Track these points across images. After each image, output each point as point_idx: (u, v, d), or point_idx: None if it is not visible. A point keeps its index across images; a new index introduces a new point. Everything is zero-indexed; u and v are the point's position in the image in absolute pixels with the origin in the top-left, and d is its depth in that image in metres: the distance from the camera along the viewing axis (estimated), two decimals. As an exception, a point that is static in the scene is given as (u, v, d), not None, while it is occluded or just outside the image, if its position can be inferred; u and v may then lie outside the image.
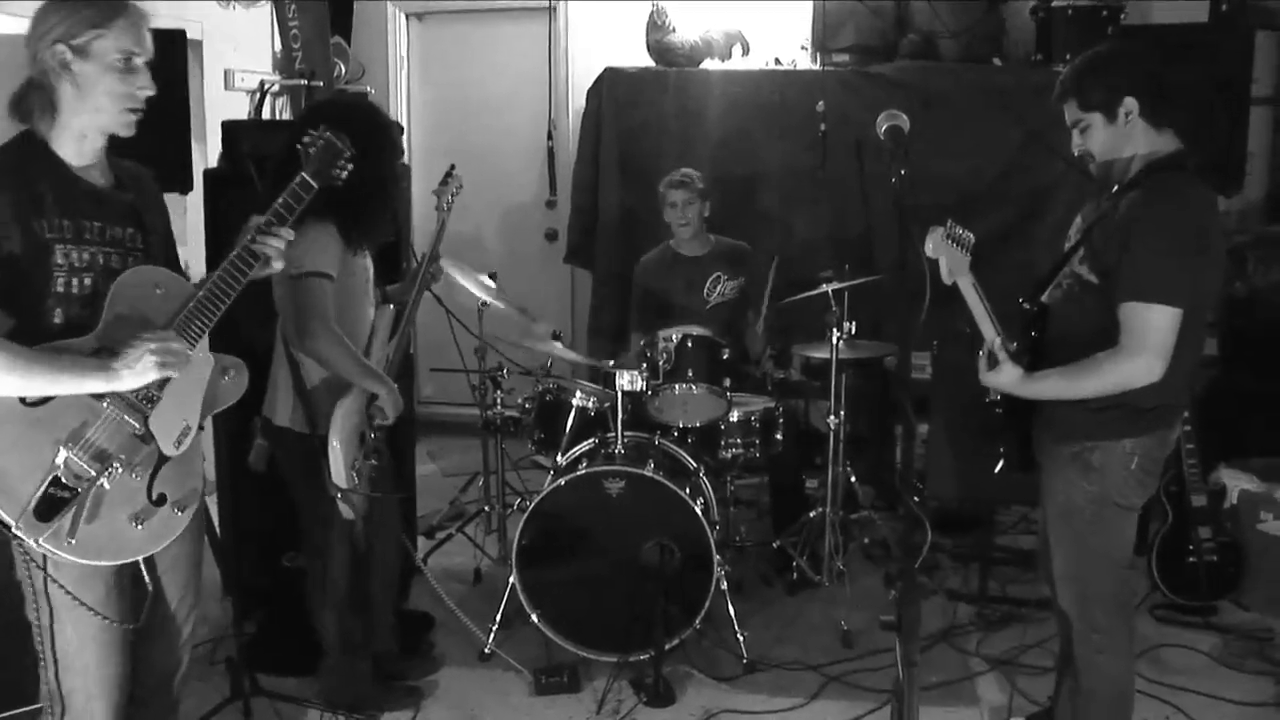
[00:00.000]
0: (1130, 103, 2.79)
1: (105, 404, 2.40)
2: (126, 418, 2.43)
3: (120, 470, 2.41)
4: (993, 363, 2.87)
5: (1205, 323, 2.91)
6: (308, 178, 2.67)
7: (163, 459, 2.51)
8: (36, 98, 2.45)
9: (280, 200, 2.62)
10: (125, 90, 2.48)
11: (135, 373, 2.36)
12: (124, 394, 2.41)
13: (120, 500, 2.43)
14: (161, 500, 2.51)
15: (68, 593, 2.42)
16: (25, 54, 2.46)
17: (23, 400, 2.30)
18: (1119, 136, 2.83)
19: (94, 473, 2.37)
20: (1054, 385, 2.82)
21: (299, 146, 2.72)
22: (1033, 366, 2.85)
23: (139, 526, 2.46)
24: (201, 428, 2.63)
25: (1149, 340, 2.66)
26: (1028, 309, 2.92)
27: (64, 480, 2.33)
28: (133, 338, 2.38)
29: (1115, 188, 2.87)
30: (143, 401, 2.45)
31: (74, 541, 2.34)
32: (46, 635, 2.47)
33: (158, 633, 2.75)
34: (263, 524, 4.00)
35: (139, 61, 2.51)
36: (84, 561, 2.40)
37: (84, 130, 2.49)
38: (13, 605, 2.54)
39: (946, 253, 2.77)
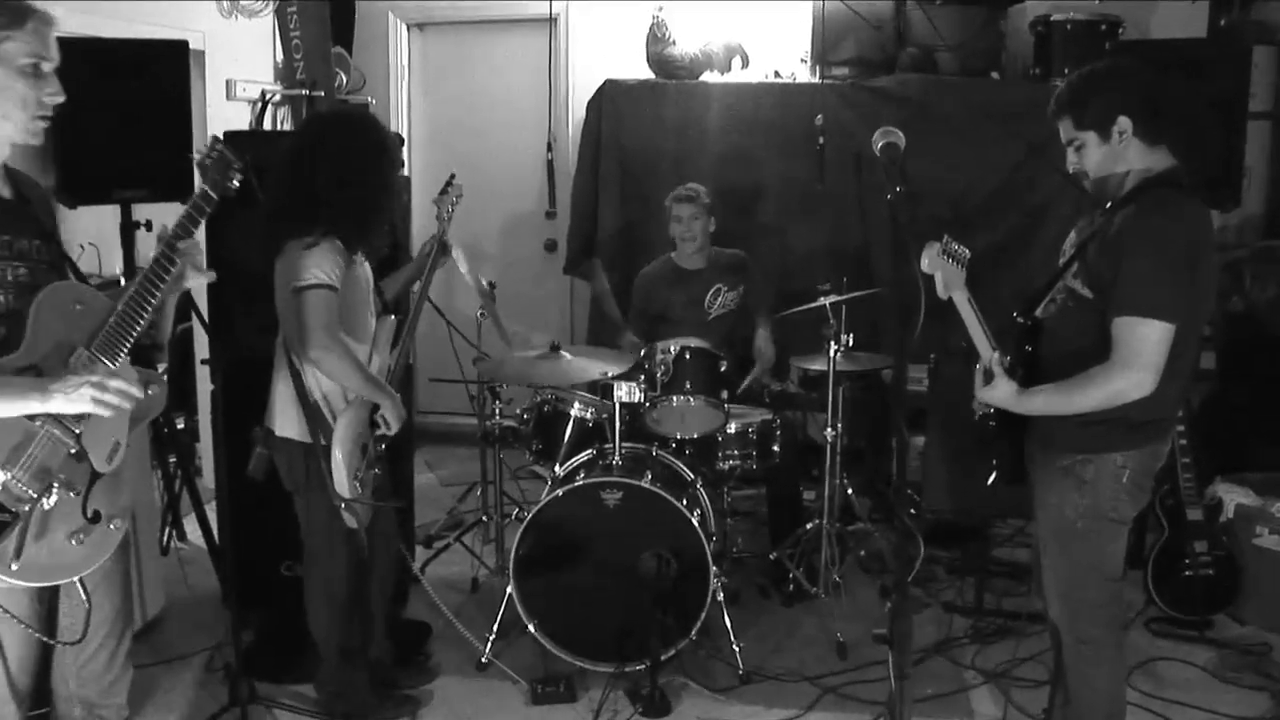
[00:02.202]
0: (1124, 122, 2.81)
1: (38, 424, 2.36)
2: (61, 436, 2.39)
3: (59, 489, 2.38)
4: (988, 379, 2.88)
5: (1199, 337, 2.92)
6: (207, 189, 2.66)
7: (95, 476, 2.48)
8: None
9: (184, 213, 2.61)
10: (35, 96, 2.41)
11: (69, 399, 2.32)
12: (56, 414, 2.37)
13: (60, 520, 2.40)
14: (97, 517, 2.48)
15: (4, 610, 2.40)
16: None
17: None
18: (1113, 155, 2.84)
19: (34, 494, 2.33)
20: (1047, 401, 2.83)
21: (194, 156, 2.71)
22: (1027, 380, 2.86)
23: (77, 544, 2.43)
24: (129, 444, 2.60)
25: (1141, 355, 2.68)
26: (1022, 323, 2.94)
27: (4, 503, 2.29)
28: (74, 369, 2.37)
29: (1109, 204, 2.88)
30: (74, 420, 2.41)
31: (17, 566, 2.31)
32: None
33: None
34: (261, 532, 4.01)
35: (47, 68, 2.42)
36: (24, 583, 2.36)
37: None
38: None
39: (942, 268, 2.78)
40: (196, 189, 2.64)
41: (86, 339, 2.45)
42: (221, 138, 2.80)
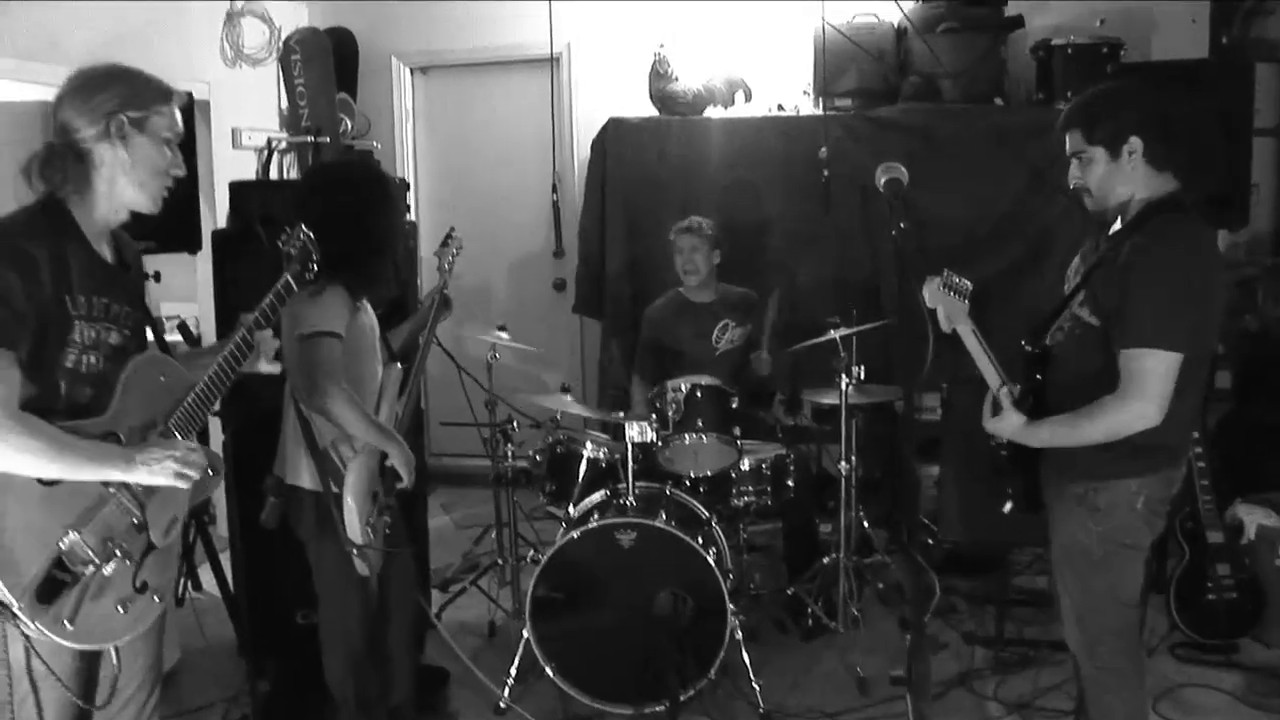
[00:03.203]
0: (1135, 143, 2.80)
1: (111, 490, 2.41)
2: (130, 505, 2.44)
3: (118, 557, 2.41)
4: (996, 410, 2.87)
5: (1210, 361, 2.91)
6: (290, 280, 2.76)
7: (150, 548, 2.51)
8: (71, 165, 2.44)
9: (266, 301, 2.71)
10: (166, 167, 2.54)
11: (152, 472, 2.40)
12: (130, 484, 2.43)
13: (112, 587, 2.42)
14: (144, 588, 2.50)
15: (48, 668, 2.41)
16: (57, 118, 2.47)
17: (38, 479, 2.29)
18: (1119, 174, 2.84)
19: (97, 558, 2.36)
20: (1054, 433, 2.83)
21: (279, 245, 2.79)
22: (1036, 408, 2.85)
23: (123, 612, 2.45)
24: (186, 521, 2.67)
25: (1147, 387, 2.66)
26: (1030, 351, 2.92)
27: (66, 564, 2.32)
28: (157, 440, 2.45)
29: (1114, 229, 2.88)
30: (144, 493, 2.47)
31: (72, 626, 2.33)
32: (4, 711, 2.45)
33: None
34: (276, 581, 4.00)
35: (177, 142, 2.58)
36: (74, 645, 2.39)
37: (117, 204, 2.52)
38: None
39: (943, 301, 2.77)
40: (281, 279, 2.75)
41: (165, 413, 2.55)
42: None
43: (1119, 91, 2.93)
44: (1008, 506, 3.07)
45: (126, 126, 2.45)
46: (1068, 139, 2.93)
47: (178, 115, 2.58)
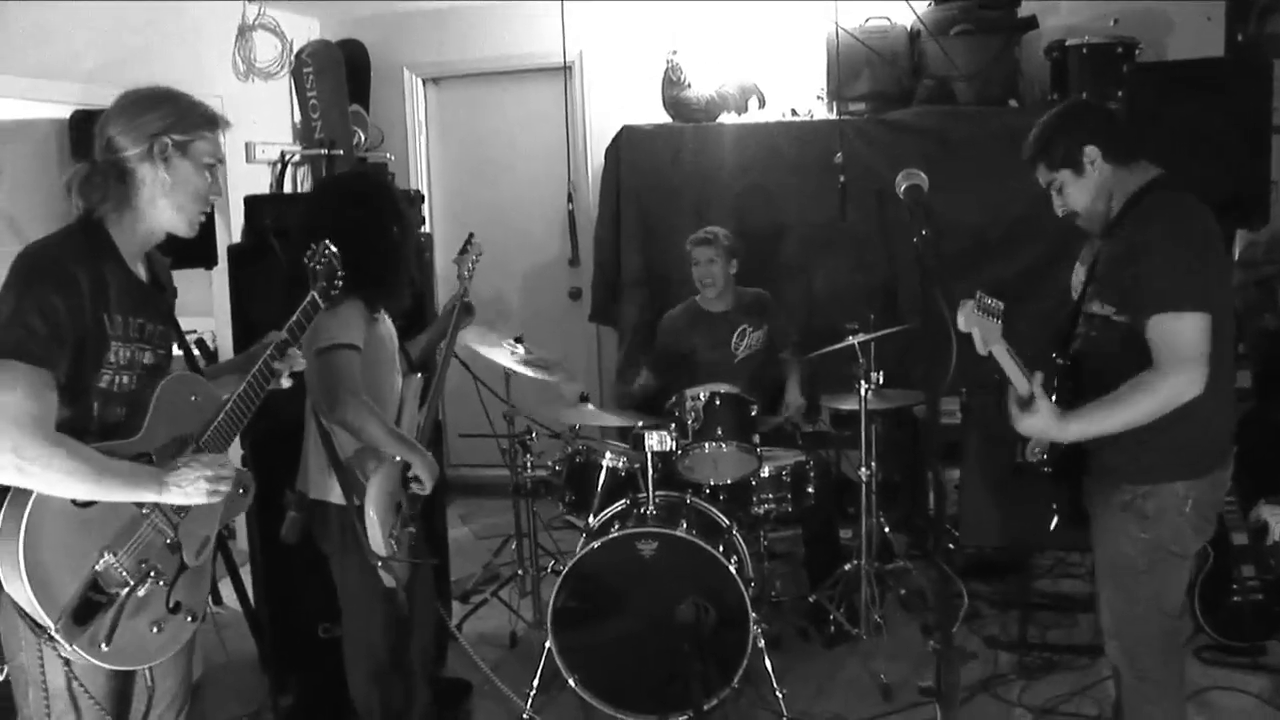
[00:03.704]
0: (1092, 151, 2.87)
1: (145, 511, 2.42)
2: (164, 526, 2.45)
3: (152, 578, 2.42)
4: (1024, 405, 2.74)
5: (1233, 349, 2.90)
6: (317, 297, 2.79)
7: (183, 568, 2.52)
8: (113, 184, 2.45)
9: (294, 319, 2.74)
10: (205, 192, 2.57)
11: (185, 492, 2.41)
12: (164, 505, 2.44)
13: (146, 607, 2.44)
14: (177, 608, 2.52)
15: (85, 690, 2.42)
16: (102, 135, 2.48)
17: (74, 501, 2.29)
18: (1092, 185, 2.89)
19: (131, 580, 2.37)
20: (1094, 421, 2.72)
21: (305, 262, 2.81)
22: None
23: (157, 633, 2.47)
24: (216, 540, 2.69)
25: (1180, 349, 2.62)
26: (1062, 364, 2.91)
27: (101, 585, 2.33)
28: (185, 461, 2.45)
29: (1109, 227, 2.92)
30: (176, 513, 2.49)
31: (107, 647, 2.34)
32: None
33: None
34: (297, 595, 3.99)
35: (217, 168, 2.61)
36: (110, 666, 2.40)
37: (155, 225, 2.53)
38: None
39: (979, 324, 2.72)
40: (308, 296, 2.78)
41: (198, 433, 2.56)
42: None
43: (1060, 113, 3.00)
44: (1054, 523, 3.04)
45: (170, 149, 2.47)
46: (1038, 177, 2.99)
47: (221, 141, 2.60)
